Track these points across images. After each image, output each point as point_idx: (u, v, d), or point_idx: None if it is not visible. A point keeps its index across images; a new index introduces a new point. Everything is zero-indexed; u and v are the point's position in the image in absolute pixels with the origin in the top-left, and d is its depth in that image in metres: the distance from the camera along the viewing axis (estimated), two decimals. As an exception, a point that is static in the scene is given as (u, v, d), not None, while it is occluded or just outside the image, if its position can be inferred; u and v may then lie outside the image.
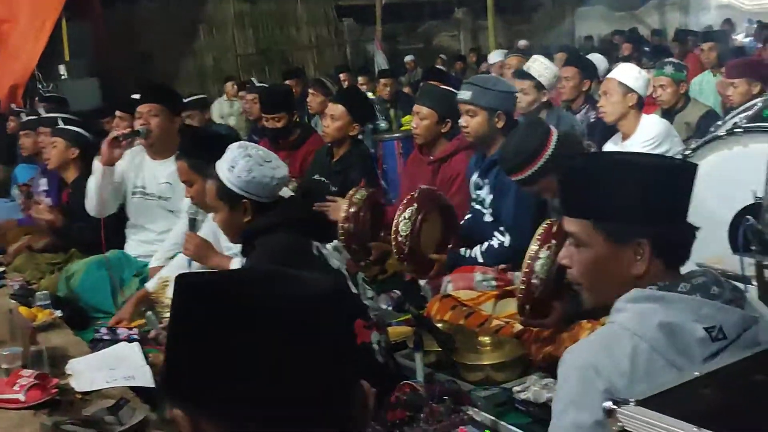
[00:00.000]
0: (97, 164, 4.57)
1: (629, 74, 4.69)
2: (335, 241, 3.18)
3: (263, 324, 1.03)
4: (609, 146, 4.67)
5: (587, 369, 1.76)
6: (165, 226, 4.63)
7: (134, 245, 4.77)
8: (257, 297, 1.06)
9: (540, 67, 5.57)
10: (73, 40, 11.71)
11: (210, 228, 3.74)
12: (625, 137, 4.62)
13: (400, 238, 3.79)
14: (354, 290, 3.06)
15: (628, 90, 4.61)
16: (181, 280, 1.12)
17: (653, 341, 1.74)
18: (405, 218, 3.78)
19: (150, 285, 4.04)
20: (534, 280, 3.02)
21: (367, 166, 4.93)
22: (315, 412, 1.04)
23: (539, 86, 5.39)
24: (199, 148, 3.61)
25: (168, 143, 4.60)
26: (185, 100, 6.80)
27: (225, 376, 1.03)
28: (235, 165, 2.91)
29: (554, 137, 3.25)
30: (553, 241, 2.96)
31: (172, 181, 4.52)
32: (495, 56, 10.19)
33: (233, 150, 2.97)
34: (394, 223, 3.82)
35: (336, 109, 4.88)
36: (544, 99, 5.39)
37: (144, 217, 4.75)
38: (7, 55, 11.69)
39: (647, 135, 4.51)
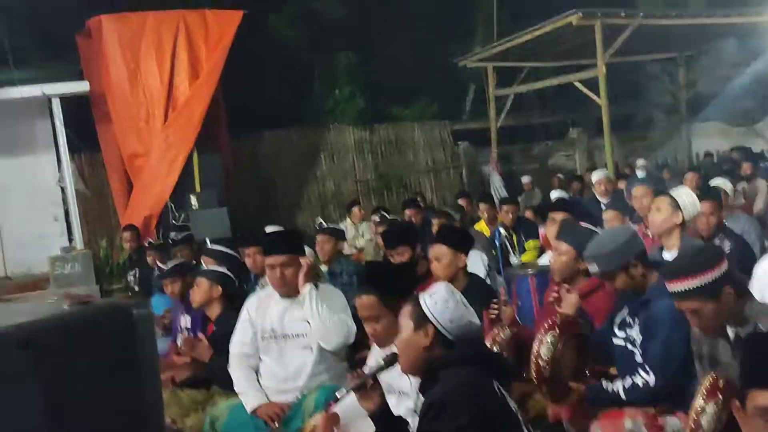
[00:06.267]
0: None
1: None
2: None
3: None
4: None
5: None
6: (300, 363, 4.61)
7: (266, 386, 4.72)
8: None
9: (682, 191, 5.55)
10: (204, 171, 12.20)
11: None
12: None
13: (541, 363, 3.78)
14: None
15: None
16: None
17: None
18: (548, 342, 3.79)
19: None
20: None
21: (485, 298, 4.73)
22: None
23: (674, 205, 5.33)
24: (389, 283, 3.76)
25: (296, 283, 4.67)
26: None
27: None
28: (437, 293, 3.07)
29: (725, 265, 3.21)
30: (720, 397, 2.83)
31: (307, 318, 4.58)
32: (597, 175, 10.02)
33: (441, 284, 3.20)
34: (535, 347, 3.82)
35: (439, 249, 4.90)
36: (678, 221, 5.29)
37: (277, 358, 4.69)
38: (141, 187, 12.27)
39: None
